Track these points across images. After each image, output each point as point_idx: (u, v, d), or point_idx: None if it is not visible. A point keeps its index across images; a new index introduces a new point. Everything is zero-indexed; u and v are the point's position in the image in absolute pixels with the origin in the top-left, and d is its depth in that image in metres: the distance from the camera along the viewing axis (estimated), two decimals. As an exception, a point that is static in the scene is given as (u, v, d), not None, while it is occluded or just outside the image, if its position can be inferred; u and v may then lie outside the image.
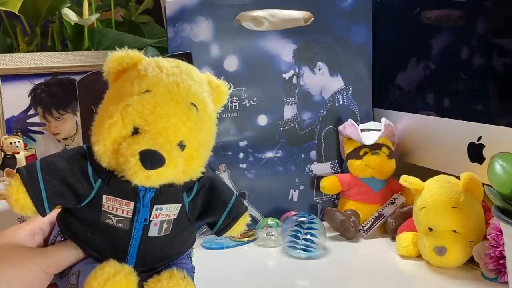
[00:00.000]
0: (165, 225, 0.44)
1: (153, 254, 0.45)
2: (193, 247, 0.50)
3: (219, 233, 0.49)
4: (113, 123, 0.41)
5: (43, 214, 0.42)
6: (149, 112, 0.41)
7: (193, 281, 0.44)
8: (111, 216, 0.43)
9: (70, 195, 0.43)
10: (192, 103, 0.43)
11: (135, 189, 0.42)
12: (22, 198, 0.41)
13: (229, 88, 0.50)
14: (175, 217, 0.45)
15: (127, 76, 0.44)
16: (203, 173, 0.46)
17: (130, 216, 0.43)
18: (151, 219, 0.43)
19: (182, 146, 0.42)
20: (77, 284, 0.42)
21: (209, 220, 0.48)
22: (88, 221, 0.44)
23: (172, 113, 0.41)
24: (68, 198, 0.43)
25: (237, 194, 0.50)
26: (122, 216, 0.43)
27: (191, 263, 0.49)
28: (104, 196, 0.43)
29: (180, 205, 0.45)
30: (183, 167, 0.42)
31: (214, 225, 0.49)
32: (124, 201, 0.43)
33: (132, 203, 0.43)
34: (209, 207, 0.47)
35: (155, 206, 0.43)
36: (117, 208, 0.43)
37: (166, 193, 0.44)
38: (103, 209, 0.43)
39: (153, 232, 0.44)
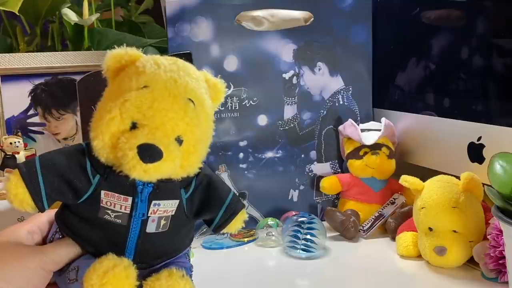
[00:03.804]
0: (163, 222, 0.44)
1: (151, 251, 0.45)
2: (192, 246, 0.50)
3: (216, 230, 0.49)
4: (112, 118, 0.41)
5: (42, 209, 0.42)
6: (147, 107, 0.41)
7: (192, 280, 0.45)
8: (109, 211, 0.43)
9: (69, 190, 0.43)
10: (190, 99, 0.43)
11: (133, 184, 0.43)
12: (21, 193, 0.41)
13: (229, 88, 0.50)
14: (173, 213, 0.45)
15: (125, 73, 0.44)
16: (200, 169, 0.46)
17: (128, 212, 0.43)
18: (149, 214, 0.44)
19: (179, 141, 0.42)
20: (76, 279, 0.42)
21: (206, 217, 0.49)
22: (86, 217, 0.44)
23: (169, 108, 0.42)
24: (67, 193, 0.43)
25: (237, 193, 0.50)
26: (120, 212, 0.43)
27: (189, 262, 0.49)
28: (103, 192, 0.43)
29: (178, 201, 0.45)
30: (180, 162, 0.43)
31: (211, 222, 0.49)
32: (122, 196, 0.43)
33: (130, 199, 0.43)
34: (206, 204, 0.47)
35: (153, 202, 0.44)
36: (115, 204, 0.43)
37: (163, 189, 0.44)
38: (101, 204, 0.43)
39: (151, 228, 0.44)
